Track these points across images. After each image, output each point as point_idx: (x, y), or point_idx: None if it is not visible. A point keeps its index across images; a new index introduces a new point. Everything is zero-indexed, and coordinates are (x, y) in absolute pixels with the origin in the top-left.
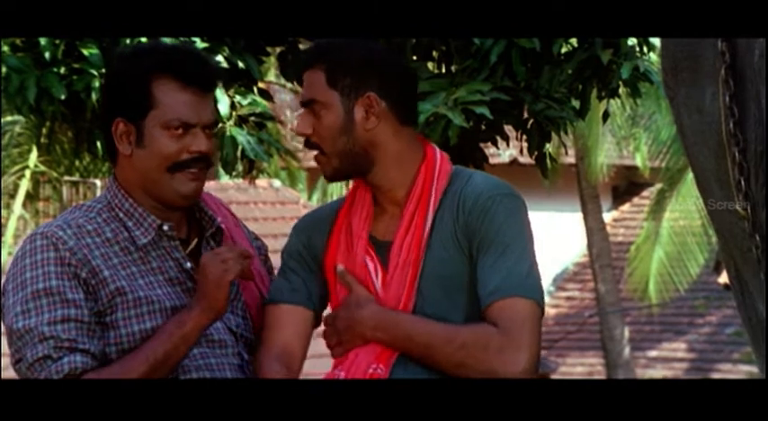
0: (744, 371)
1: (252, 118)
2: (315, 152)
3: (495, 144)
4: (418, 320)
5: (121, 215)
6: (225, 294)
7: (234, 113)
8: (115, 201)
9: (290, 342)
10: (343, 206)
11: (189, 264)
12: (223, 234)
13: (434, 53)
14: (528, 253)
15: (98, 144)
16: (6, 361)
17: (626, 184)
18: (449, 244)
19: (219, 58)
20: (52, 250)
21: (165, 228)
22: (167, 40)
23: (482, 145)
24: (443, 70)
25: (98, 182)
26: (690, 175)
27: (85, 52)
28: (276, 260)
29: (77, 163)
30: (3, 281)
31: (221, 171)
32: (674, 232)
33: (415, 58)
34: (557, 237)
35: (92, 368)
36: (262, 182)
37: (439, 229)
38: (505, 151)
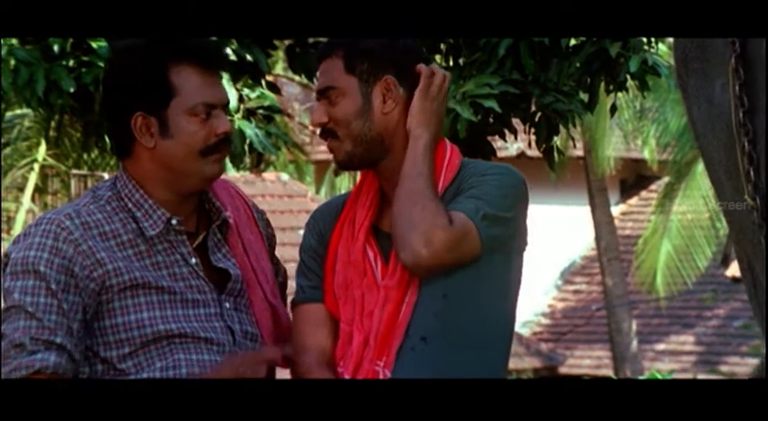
0: (752, 363)
1: (260, 111)
2: (328, 140)
3: (503, 137)
4: None
5: (130, 205)
6: None
7: (242, 106)
8: (125, 190)
9: (328, 344)
10: (350, 197)
11: (194, 260)
12: (229, 227)
13: (442, 46)
14: (499, 209)
15: (106, 137)
16: None
17: (634, 178)
18: None
19: (228, 50)
20: (51, 238)
21: (174, 222)
22: None
23: (490, 138)
24: (451, 63)
25: (106, 175)
26: (698, 169)
27: (94, 45)
28: (284, 253)
29: (86, 156)
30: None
31: (229, 164)
32: (681, 225)
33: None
34: (564, 230)
35: (63, 371)
36: (269, 175)
37: None
38: (513, 144)
